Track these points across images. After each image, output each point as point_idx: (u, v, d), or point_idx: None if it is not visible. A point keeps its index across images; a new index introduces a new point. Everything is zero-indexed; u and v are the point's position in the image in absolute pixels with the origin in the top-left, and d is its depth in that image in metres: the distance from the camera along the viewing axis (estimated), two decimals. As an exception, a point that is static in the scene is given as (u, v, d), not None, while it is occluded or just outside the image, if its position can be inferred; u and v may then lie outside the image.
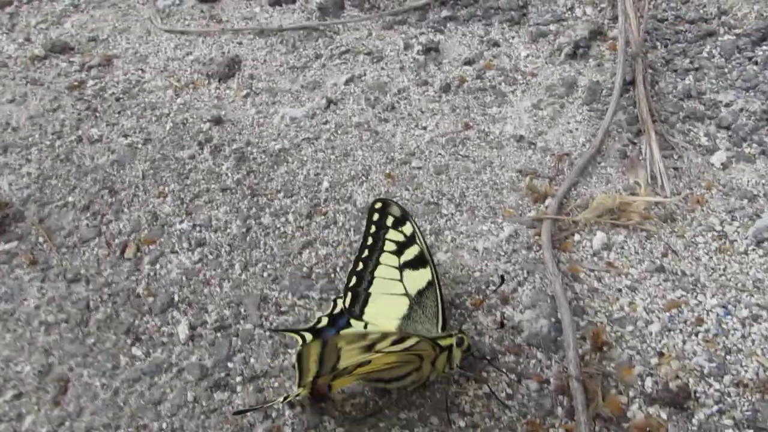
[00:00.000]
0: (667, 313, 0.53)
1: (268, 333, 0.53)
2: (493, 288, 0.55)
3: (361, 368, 0.44)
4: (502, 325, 0.52)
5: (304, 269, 0.58)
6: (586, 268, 0.57)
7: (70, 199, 0.66)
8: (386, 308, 0.51)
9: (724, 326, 0.52)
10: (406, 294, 0.52)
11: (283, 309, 0.55)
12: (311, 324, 0.51)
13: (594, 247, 0.58)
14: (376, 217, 0.55)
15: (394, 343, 0.43)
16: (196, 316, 0.55)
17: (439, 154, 0.67)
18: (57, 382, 0.51)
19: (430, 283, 0.51)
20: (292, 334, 0.51)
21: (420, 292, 0.51)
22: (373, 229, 0.55)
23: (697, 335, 0.51)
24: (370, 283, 0.53)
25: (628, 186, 0.63)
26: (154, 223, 0.63)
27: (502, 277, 0.54)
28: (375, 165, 0.67)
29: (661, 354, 0.50)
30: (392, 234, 0.54)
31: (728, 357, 0.50)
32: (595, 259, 0.57)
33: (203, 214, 0.63)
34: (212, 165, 0.68)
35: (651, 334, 0.52)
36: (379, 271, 0.53)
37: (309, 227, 0.61)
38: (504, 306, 0.54)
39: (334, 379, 0.45)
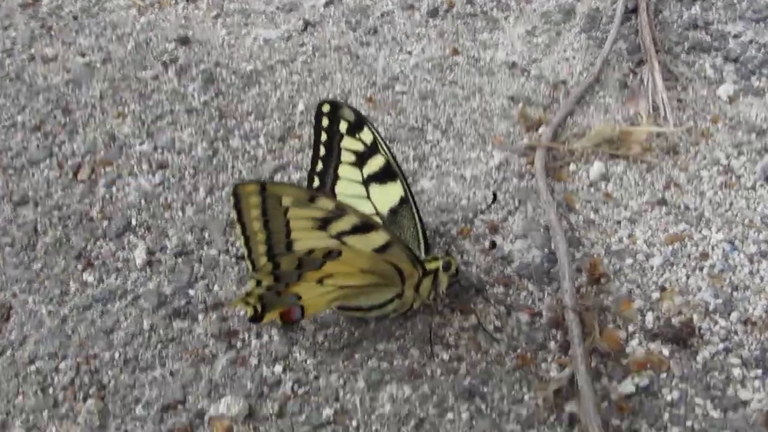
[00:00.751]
0: (670, 247, 0.49)
1: (233, 259, 0.48)
2: (486, 206, 0.51)
3: (330, 281, 0.39)
4: (493, 245, 0.48)
5: (276, 194, 0.53)
6: (582, 199, 0.52)
7: (20, 118, 0.60)
8: None
9: (730, 262, 0.48)
10: (377, 213, 0.45)
11: (251, 235, 0.50)
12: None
13: (591, 177, 0.54)
14: (325, 122, 0.47)
15: (355, 229, 0.37)
16: (154, 240, 0.50)
17: (425, 79, 0.62)
18: (-2, 309, 0.46)
19: (403, 200, 0.45)
20: None
21: (393, 211, 0.45)
22: (324, 137, 0.47)
23: (701, 270, 0.47)
24: None
25: (628, 117, 0.58)
26: (112, 144, 0.57)
27: (494, 194, 0.48)
28: (355, 89, 0.61)
29: (663, 288, 0.46)
30: (348, 142, 0.47)
31: (735, 294, 0.46)
32: (592, 189, 0.53)
33: (166, 135, 0.58)
34: (177, 86, 0.62)
35: (652, 267, 0.48)
36: (340, 187, 0.46)
37: (281, 151, 0.56)
38: (493, 235, 0.50)
39: (299, 279, 0.39)
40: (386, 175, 0.46)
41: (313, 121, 0.47)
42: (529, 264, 0.48)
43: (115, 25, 0.70)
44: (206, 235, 0.50)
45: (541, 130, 0.57)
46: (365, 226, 0.37)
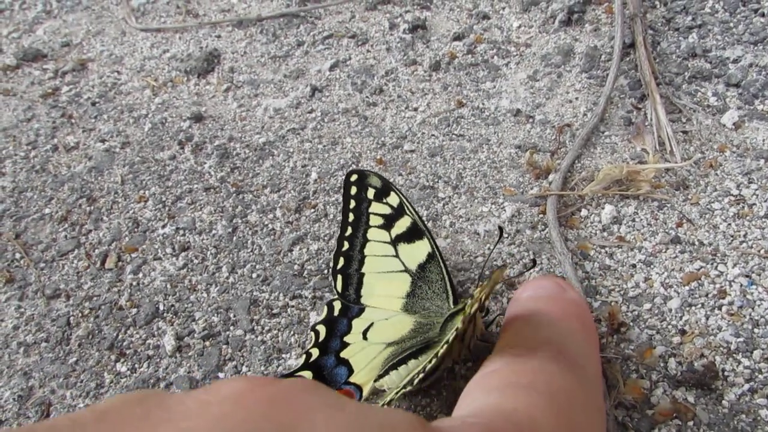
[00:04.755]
0: (687, 287, 0.49)
1: (260, 339, 0.50)
2: (493, 243, 0.53)
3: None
4: (533, 264, 0.48)
5: (295, 267, 0.54)
6: (596, 245, 0.53)
7: (47, 210, 0.62)
8: (385, 287, 0.48)
9: (749, 297, 0.48)
10: (406, 270, 0.48)
11: (274, 311, 0.51)
12: (303, 361, 0.45)
13: (603, 221, 0.54)
14: (353, 191, 0.51)
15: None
16: (182, 325, 0.52)
17: (433, 135, 0.63)
18: (38, 407, 0.48)
19: (431, 256, 0.48)
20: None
21: (421, 266, 0.48)
22: (352, 204, 0.50)
23: (720, 309, 0.47)
24: (361, 263, 0.49)
25: (636, 154, 0.59)
26: (135, 229, 0.59)
27: (500, 228, 0.47)
28: (365, 151, 0.63)
29: (683, 332, 0.46)
30: (376, 207, 0.50)
31: (756, 330, 0.46)
32: (605, 234, 0.53)
33: (186, 216, 0.59)
34: (194, 164, 0.64)
35: (670, 310, 0.48)
36: (370, 249, 0.49)
37: (298, 222, 0.58)
38: (510, 291, 0.50)
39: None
40: (413, 234, 0.49)
41: (342, 189, 0.51)
42: (547, 318, 0.48)
43: (132, 107, 0.72)
44: (231, 315, 0.52)
45: (550, 177, 0.58)
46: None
